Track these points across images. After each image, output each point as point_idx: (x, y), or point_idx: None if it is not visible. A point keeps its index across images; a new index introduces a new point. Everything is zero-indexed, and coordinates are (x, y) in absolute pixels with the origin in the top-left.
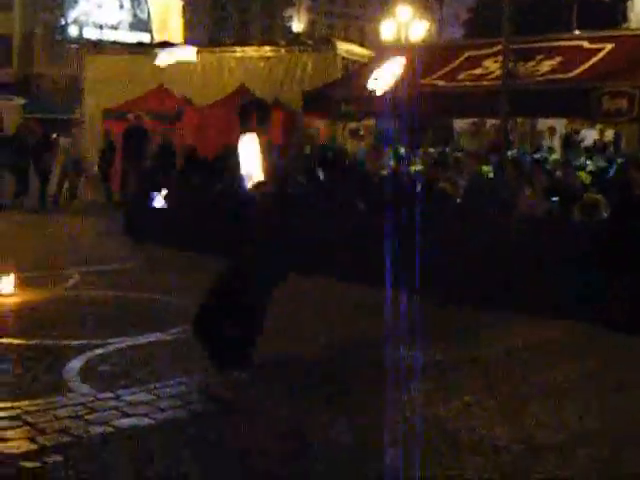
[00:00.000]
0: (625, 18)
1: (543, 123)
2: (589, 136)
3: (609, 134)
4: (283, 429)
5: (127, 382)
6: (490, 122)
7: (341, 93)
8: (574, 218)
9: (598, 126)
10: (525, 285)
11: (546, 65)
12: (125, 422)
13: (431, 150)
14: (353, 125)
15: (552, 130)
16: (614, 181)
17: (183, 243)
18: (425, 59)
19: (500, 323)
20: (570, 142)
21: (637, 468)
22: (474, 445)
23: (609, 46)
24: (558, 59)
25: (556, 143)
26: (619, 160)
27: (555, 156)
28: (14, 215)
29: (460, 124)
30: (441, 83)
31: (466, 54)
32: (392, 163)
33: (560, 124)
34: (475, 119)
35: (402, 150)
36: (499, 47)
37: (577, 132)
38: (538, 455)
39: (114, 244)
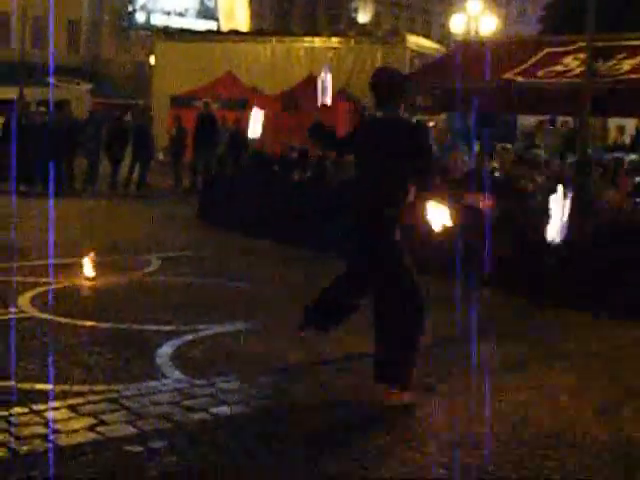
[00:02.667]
0: None
1: (612, 122)
2: None
3: None
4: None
5: (219, 369)
6: (561, 120)
7: (416, 86)
8: None
9: None
10: (607, 286)
11: (627, 64)
12: (223, 410)
13: (508, 146)
14: (419, 118)
15: (621, 129)
16: None
17: (257, 231)
18: (503, 54)
19: (580, 323)
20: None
21: None
22: (574, 444)
23: None
24: (639, 58)
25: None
26: None
27: (633, 156)
28: (86, 200)
29: (524, 121)
30: (520, 79)
31: (545, 50)
32: (468, 159)
33: (629, 123)
34: (543, 117)
35: (477, 146)
36: (579, 44)
37: None
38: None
39: (188, 230)
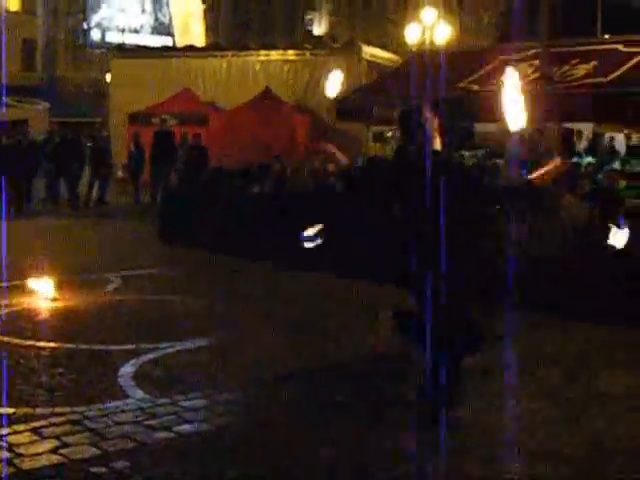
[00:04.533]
0: None
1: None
2: (617, 140)
3: (635, 138)
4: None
5: (182, 387)
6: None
7: (375, 97)
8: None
9: (625, 130)
10: (574, 291)
11: (581, 69)
12: (186, 428)
13: (466, 154)
14: (376, 129)
15: (579, 134)
16: None
17: (219, 246)
18: (458, 63)
19: (543, 327)
20: (598, 146)
21: None
22: (539, 452)
23: None
24: (593, 63)
25: (582, 147)
26: None
27: (589, 160)
28: (45, 219)
29: (480, 128)
30: (475, 87)
31: (500, 58)
32: None
33: (586, 128)
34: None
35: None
36: (534, 51)
37: (601, 136)
38: (608, 460)
39: (149, 248)
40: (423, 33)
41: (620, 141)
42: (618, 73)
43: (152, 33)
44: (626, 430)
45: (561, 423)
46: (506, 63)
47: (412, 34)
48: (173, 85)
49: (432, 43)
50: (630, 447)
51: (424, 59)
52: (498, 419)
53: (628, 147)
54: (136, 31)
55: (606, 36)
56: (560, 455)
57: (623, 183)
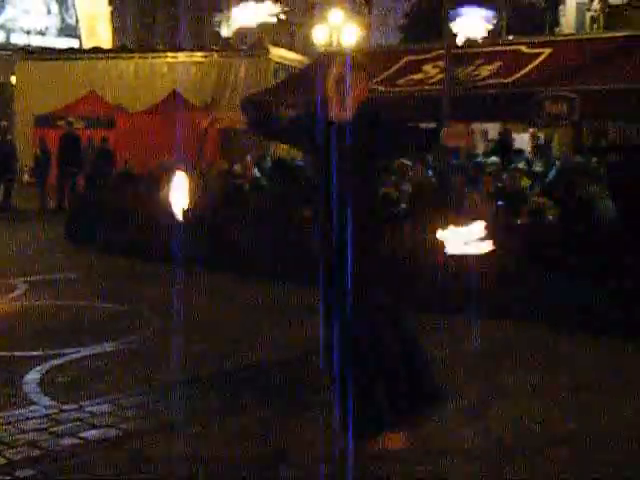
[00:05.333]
0: (557, 23)
1: (476, 127)
2: (521, 140)
3: (540, 138)
4: (257, 435)
5: (88, 393)
6: (425, 126)
7: (282, 98)
8: (520, 221)
9: (530, 130)
10: (476, 289)
11: (486, 70)
12: (93, 433)
13: None
14: None
15: (484, 134)
16: (556, 184)
17: (126, 250)
18: (365, 64)
19: (450, 327)
20: (505, 145)
21: (607, 468)
22: (443, 448)
23: (547, 51)
24: (497, 64)
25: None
26: (557, 164)
27: (494, 159)
28: None
29: None
30: (381, 88)
31: (405, 59)
32: None
33: (492, 128)
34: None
35: None
36: (438, 52)
37: (506, 135)
38: (508, 458)
39: (56, 252)
40: (330, 34)
41: (525, 140)
42: (521, 73)
43: (58, 35)
44: (528, 428)
45: (463, 420)
46: (412, 64)
47: (319, 35)
48: (80, 87)
49: (339, 45)
50: (530, 446)
51: (329, 60)
52: None
53: (533, 146)
54: (42, 33)
55: (510, 37)
56: (462, 452)
57: (527, 182)
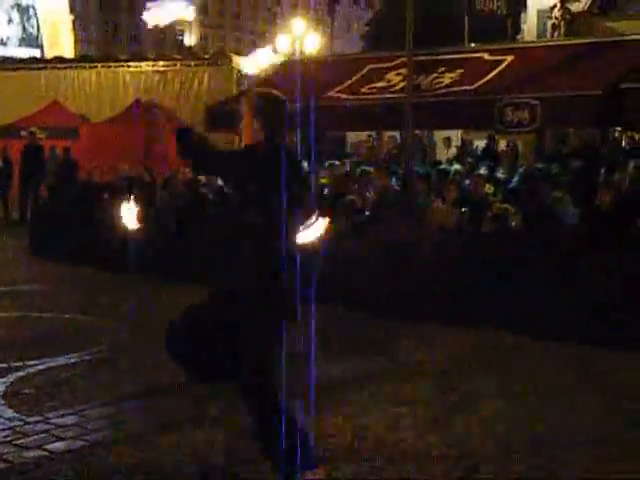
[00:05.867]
0: (518, 30)
1: (438, 134)
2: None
3: (502, 144)
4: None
5: (53, 404)
6: (387, 134)
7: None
8: (484, 228)
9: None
10: (443, 296)
11: (448, 77)
12: (58, 445)
13: (336, 163)
14: None
15: (447, 141)
16: (520, 191)
17: (90, 261)
18: (327, 72)
19: (417, 334)
20: (467, 152)
21: (571, 473)
22: (408, 455)
23: (509, 58)
24: (460, 71)
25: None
26: (521, 170)
27: (457, 166)
28: None
29: (353, 137)
30: (344, 96)
31: (368, 67)
32: None
33: (454, 135)
34: (371, 132)
35: (305, 164)
36: (401, 60)
37: (468, 142)
38: (472, 464)
39: (20, 263)
40: (293, 43)
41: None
42: (484, 80)
43: (20, 45)
44: (493, 431)
45: (430, 425)
46: (375, 72)
47: (282, 45)
48: (42, 97)
49: (302, 53)
50: (497, 450)
51: (292, 68)
52: (370, 423)
53: (495, 153)
54: (3, 42)
55: (472, 45)
56: (429, 456)
57: (490, 188)
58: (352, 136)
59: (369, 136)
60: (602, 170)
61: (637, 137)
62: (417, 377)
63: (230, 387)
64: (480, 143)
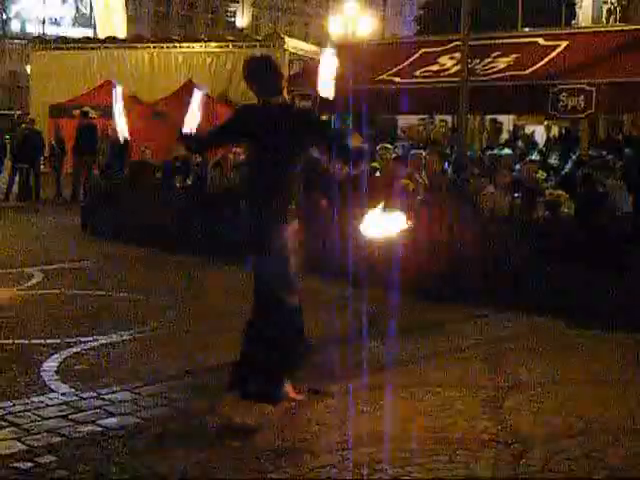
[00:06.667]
0: (573, 15)
1: (491, 120)
2: (536, 132)
3: (555, 131)
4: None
5: (107, 381)
6: (439, 118)
7: (296, 89)
8: (536, 214)
9: (545, 122)
10: (494, 281)
11: (502, 62)
12: (112, 421)
13: (388, 146)
14: None
15: (500, 126)
16: (572, 178)
17: (143, 240)
18: (380, 55)
19: (467, 318)
20: (519, 137)
21: (622, 460)
22: (460, 440)
23: (564, 43)
24: (514, 56)
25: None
26: (573, 157)
27: (508, 151)
28: None
29: (403, 120)
30: (398, 79)
31: (421, 51)
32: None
33: (506, 120)
34: (424, 115)
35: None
36: (454, 44)
37: (521, 127)
38: (526, 448)
39: (72, 241)
40: (346, 25)
41: (540, 133)
42: (538, 66)
43: (73, 24)
44: (541, 418)
45: (479, 409)
46: (428, 55)
47: (335, 26)
48: (95, 77)
49: (355, 35)
50: (547, 436)
51: (346, 51)
52: (420, 407)
53: (547, 139)
54: (57, 22)
55: (526, 29)
56: (478, 440)
57: (543, 175)
58: (403, 120)
59: (421, 119)
60: None
61: None
62: (467, 361)
63: None
64: (531, 129)
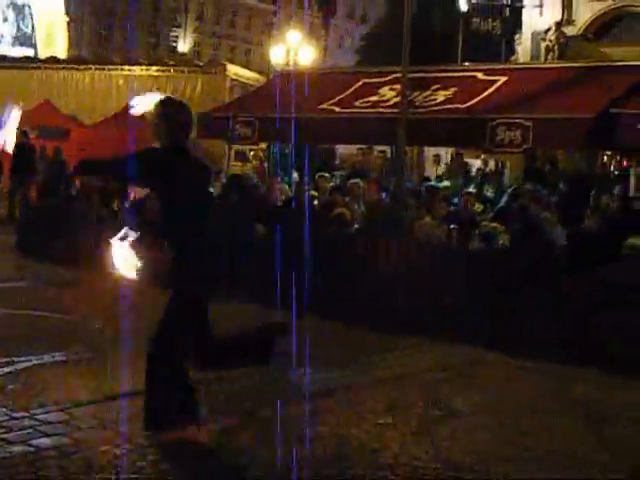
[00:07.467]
0: (512, 51)
1: (428, 151)
2: (474, 165)
3: (491, 163)
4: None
5: (40, 401)
6: (377, 149)
7: (237, 115)
8: (472, 246)
9: (482, 155)
10: (426, 310)
11: (442, 95)
12: (44, 441)
13: (326, 175)
14: (239, 147)
15: (437, 158)
16: (508, 210)
17: (78, 261)
18: (322, 84)
19: (404, 348)
20: (455, 170)
21: None
22: (392, 465)
23: (503, 78)
24: (453, 89)
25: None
26: (509, 189)
27: (446, 183)
28: None
29: (342, 150)
30: (338, 109)
31: (362, 81)
32: (285, 187)
33: (444, 152)
34: (362, 145)
35: (295, 175)
36: (395, 75)
37: (458, 160)
38: (456, 474)
39: (6, 260)
40: (288, 54)
41: (477, 166)
42: (476, 100)
43: (13, 44)
44: (473, 446)
45: (412, 436)
46: (369, 86)
47: (277, 55)
48: (35, 97)
49: (296, 64)
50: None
51: (288, 79)
52: (353, 433)
53: (484, 173)
54: None
55: (466, 63)
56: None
57: (479, 207)
58: (341, 149)
59: (359, 149)
60: (591, 193)
61: (625, 162)
62: (401, 390)
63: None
64: (470, 161)
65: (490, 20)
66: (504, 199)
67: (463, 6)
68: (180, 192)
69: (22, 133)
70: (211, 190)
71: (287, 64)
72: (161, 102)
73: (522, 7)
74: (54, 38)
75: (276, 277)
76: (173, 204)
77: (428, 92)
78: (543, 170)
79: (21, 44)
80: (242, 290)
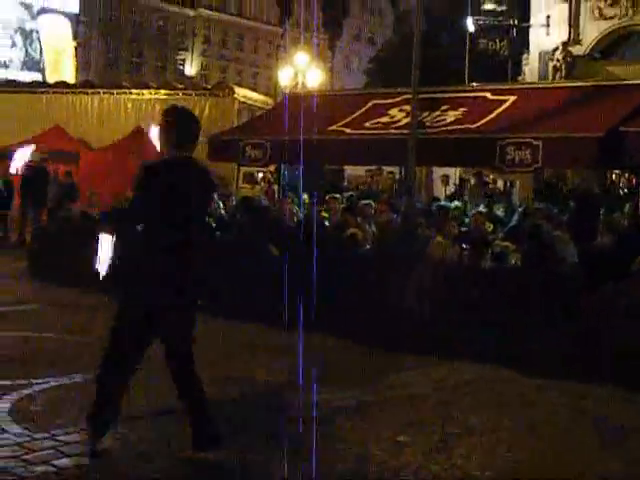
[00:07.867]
0: (519, 71)
1: (436, 172)
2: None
3: (500, 184)
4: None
5: (60, 422)
6: (386, 170)
7: (248, 138)
8: (486, 264)
9: (491, 175)
10: (440, 330)
11: (451, 115)
12: (65, 462)
13: (337, 196)
14: (247, 170)
15: (445, 178)
16: (520, 229)
17: (90, 284)
18: (332, 106)
19: (417, 366)
20: (465, 190)
21: None
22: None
23: (511, 98)
24: (462, 110)
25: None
26: (520, 209)
27: (457, 203)
28: None
29: (350, 171)
30: (347, 130)
31: (371, 102)
32: (295, 209)
33: (453, 173)
34: (371, 167)
35: (305, 196)
36: (404, 96)
37: (467, 180)
38: None
39: (19, 284)
40: (295, 76)
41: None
42: (486, 120)
43: (22, 68)
44: (491, 462)
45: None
46: (378, 107)
47: (285, 78)
48: (44, 121)
49: (304, 87)
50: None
51: (297, 102)
52: (372, 450)
53: (492, 192)
54: (5, 65)
55: (474, 84)
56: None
57: (490, 226)
58: (350, 170)
59: (368, 171)
60: (601, 211)
61: (634, 180)
62: (416, 407)
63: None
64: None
65: (497, 40)
66: (515, 218)
67: (470, 27)
68: (164, 198)
69: (34, 156)
70: (210, 205)
71: (295, 86)
72: (169, 109)
73: (529, 27)
74: (62, 63)
75: (297, 298)
76: (156, 206)
77: (438, 112)
78: (553, 188)
79: (29, 69)
80: (258, 310)
